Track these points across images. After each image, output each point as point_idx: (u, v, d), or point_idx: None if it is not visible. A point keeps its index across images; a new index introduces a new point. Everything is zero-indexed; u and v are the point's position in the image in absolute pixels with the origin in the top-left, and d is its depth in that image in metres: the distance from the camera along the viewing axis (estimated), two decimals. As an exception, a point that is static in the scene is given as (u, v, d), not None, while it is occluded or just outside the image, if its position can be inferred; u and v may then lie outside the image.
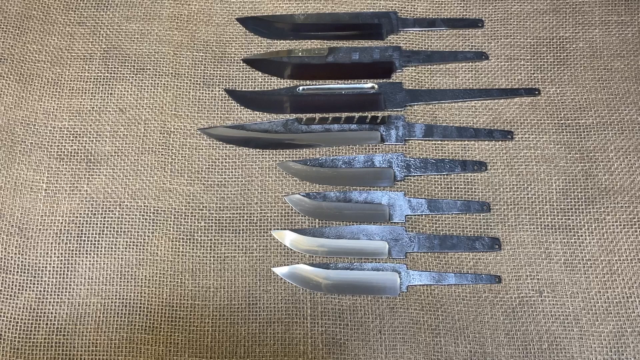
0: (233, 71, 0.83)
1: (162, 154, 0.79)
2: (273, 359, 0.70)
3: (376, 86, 0.81)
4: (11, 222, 0.75)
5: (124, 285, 0.73)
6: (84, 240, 0.75)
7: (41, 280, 0.73)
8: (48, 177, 0.77)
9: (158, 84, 0.82)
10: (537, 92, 0.81)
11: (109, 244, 0.75)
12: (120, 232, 0.75)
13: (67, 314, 0.72)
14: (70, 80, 0.82)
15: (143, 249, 0.75)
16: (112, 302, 0.72)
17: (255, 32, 0.85)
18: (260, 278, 0.74)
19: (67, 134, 0.80)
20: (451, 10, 0.86)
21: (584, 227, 0.75)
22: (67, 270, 0.74)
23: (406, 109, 0.81)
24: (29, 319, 0.72)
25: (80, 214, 0.76)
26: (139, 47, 0.84)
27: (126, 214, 0.76)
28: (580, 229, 0.75)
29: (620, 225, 0.75)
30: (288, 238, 0.74)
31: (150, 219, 0.76)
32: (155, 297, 0.73)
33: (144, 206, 0.76)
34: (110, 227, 0.75)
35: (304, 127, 0.79)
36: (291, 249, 0.74)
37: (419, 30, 0.85)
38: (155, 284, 0.73)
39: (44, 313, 0.72)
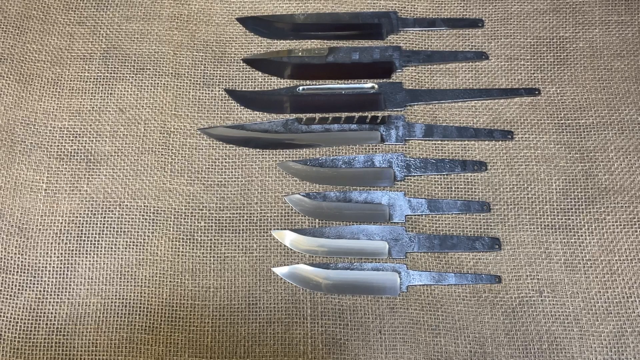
0: (233, 71, 0.83)
1: (162, 154, 0.79)
2: (273, 359, 0.70)
3: (376, 86, 0.81)
4: (11, 222, 0.75)
5: (124, 285, 0.73)
6: (84, 240, 0.75)
7: (41, 280, 0.73)
8: (48, 177, 0.78)
9: (158, 84, 0.82)
10: (537, 92, 0.81)
11: (109, 244, 0.75)
12: (120, 232, 0.75)
13: (67, 314, 0.72)
14: (70, 80, 0.82)
15: (143, 249, 0.75)
16: (112, 302, 0.72)
17: (255, 32, 0.85)
18: (260, 278, 0.74)
19: (67, 134, 0.80)
20: (451, 10, 0.86)
21: (584, 227, 0.75)
22: (67, 270, 0.74)
23: (406, 109, 0.81)
24: (29, 319, 0.72)
25: (80, 214, 0.76)
26: (139, 47, 0.84)
27: (126, 214, 0.76)
28: (580, 229, 0.75)
29: (620, 225, 0.75)
30: (288, 238, 0.74)
31: (150, 219, 0.76)
32: (155, 297, 0.73)
33: (144, 206, 0.76)
34: (110, 227, 0.75)
35: (304, 127, 0.79)
36: (291, 249, 0.74)
37: (419, 30, 0.85)
38: (155, 284, 0.73)
39: (44, 313, 0.72)
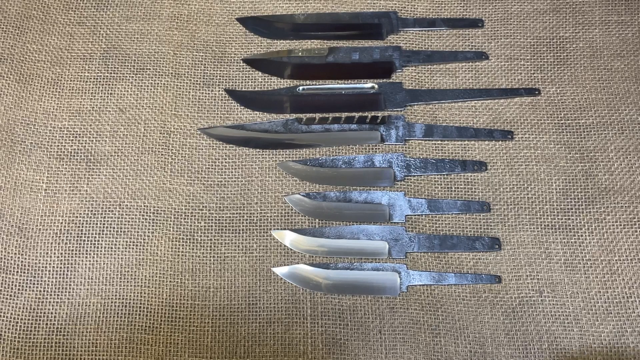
0: (233, 71, 0.83)
1: (162, 154, 0.79)
2: (273, 359, 0.70)
3: (376, 86, 0.81)
4: (11, 222, 0.75)
5: (124, 285, 0.73)
6: (84, 240, 0.75)
7: (41, 280, 0.73)
8: (48, 177, 0.77)
9: (158, 84, 0.82)
10: (537, 92, 0.81)
11: (109, 244, 0.75)
12: (120, 232, 0.75)
13: (67, 314, 0.72)
14: (70, 80, 0.82)
15: (143, 249, 0.75)
16: (112, 302, 0.72)
17: (255, 32, 0.85)
18: (260, 278, 0.74)
19: (67, 134, 0.80)
20: (451, 10, 0.86)
21: (584, 227, 0.75)
22: (67, 270, 0.74)
23: (406, 109, 0.81)
24: (29, 319, 0.72)
25: (80, 214, 0.76)
26: (139, 47, 0.84)
27: (126, 214, 0.76)
28: (580, 229, 0.75)
29: (620, 225, 0.75)
30: (288, 238, 0.74)
31: (150, 219, 0.76)
32: (155, 297, 0.73)
33: (144, 206, 0.76)
34: (110, 227, 0.75)
35: (304, 127, 0.79)
36: (291, 249, 0.74)
37: (419, 30, 0.85)
38: (155, 284, 0.73)
39: (44, 313, 0.72)
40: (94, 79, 0.82)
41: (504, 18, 0.86)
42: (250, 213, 0.76)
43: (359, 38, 0.85)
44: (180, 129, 0.80)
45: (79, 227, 0.75)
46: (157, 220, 0.76)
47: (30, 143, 0.79)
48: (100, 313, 0.72)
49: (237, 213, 0.76)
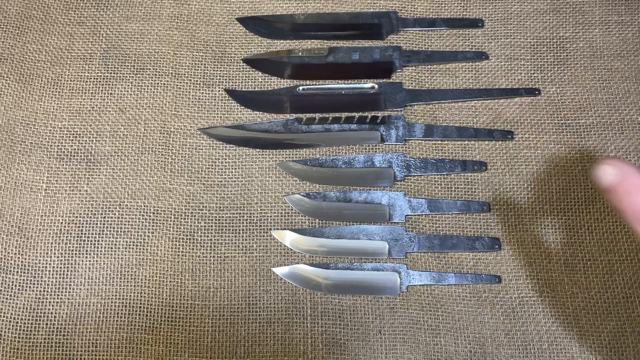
0: (233, 71, 0.83)
1: (162, 154, 0.79)
2: (273, 359, 0.70)
3: (376, 86, 0.81)
4: (11, 222, 0.75)
5: (124, 285, 0.73)
6: (84, 240, 0.75)
7: (41, 280, 0.73)
8: (48, 177, 0.78)
9: (158, 84, 0.82)
10: (537, 92, 0.81)
11: (109, 244, 0.75)
12: (120, 232, 0.75)
13: (67, 314, 0.72)
14: (70, 80, 0.82)
15: (143, 249, 0.75)
16: (112, 302, 0.72)
17: (255, 32, 0.85)
18: (260, 278, 0.74)
19: (67, 134, 0.80)
20: (451, 10, 0.86)
21: (583, 227, 0.75)
22: (67, 270, 0.74)
23: (406, 109, 0.81)
24: (29, 319, 0.72)
25: (80, 214, 0.76)
26: (139, 47, 0.84)
27: (126, 214, 0.76)
28: (580, 229, 0.75)
29: (620, 225, 0.75)
30: (288, 238, 0.74)
31: (150, 219, 0.76)
32: (155, 297, 0.73)
33: (144, 206, 0.76)
34: (110, 227, 0.75)
35: (304, 127, 0.79)
36: (291, 249, 0.74)
37: (419, 30, 0.85)
38: (155, 284, 0.73)
39: (44, 313, 0.72)
40: (94, 79, 0.82)
41: (504, 18, 0.86)
42: (250, 213, 0.76)
43: (359, 38, 0.85)
44: (180, 129, 0.80)
45: (79, 227, 0.75)
46: (157, 220, 0.76)
47: (30, 143, 0.79)
48: (100, 313, 0.72)
49: (237, 213, 0.76)
